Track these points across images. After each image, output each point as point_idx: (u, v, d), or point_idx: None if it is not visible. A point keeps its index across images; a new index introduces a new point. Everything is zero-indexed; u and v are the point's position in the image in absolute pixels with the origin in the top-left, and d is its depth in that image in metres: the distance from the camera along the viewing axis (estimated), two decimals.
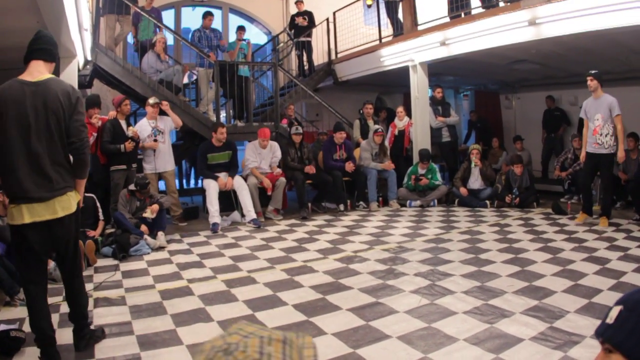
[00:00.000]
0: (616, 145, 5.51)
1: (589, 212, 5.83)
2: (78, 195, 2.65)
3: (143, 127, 6.33)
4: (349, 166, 7.19)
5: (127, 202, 5.35)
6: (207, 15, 8.03)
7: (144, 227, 5.20)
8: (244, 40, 8.81)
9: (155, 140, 6.29)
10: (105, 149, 5.90)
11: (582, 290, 3.43)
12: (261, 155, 6.89)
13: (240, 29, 8.85)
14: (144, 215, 5.26)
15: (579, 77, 8.60)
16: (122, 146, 5.88)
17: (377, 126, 7.73)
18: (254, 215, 6.26)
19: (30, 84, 2.46)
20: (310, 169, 7.06)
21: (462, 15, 7.10)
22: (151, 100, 6.36)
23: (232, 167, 6.60)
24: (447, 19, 7.27)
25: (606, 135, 5.48)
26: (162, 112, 6.54)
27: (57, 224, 2.50)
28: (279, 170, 6.90)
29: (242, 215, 6.42)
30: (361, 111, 8.37)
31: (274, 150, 6.98)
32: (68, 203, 2.52)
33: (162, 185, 6.67)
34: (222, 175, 6.44)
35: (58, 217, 2.48)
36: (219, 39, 8.09)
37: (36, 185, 2.43)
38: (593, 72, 5.54)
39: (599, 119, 5.52)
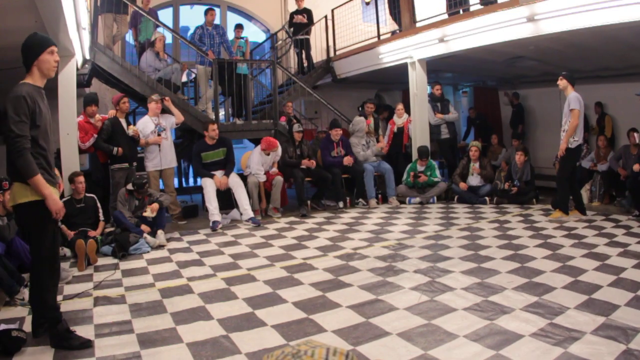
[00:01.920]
0: (577, 141, 5.67)
1: (564, 209, 5.92)
2: (23, 189, 2.65)
3: (146, 124, 6.34)
4: (347, 159, 7.19)
5: (126, 201, 5.35)
6: (209, 11, 8.00)
7: (144, 227, 5.21)
8: (242, 38, 8.78)
9: (159, 136, 6.29)
10: (99, 146, 5.90)
11: (581, 286, 3.44)
12: (265, 159, 6.89)
13: (238, 27, 8.83)
14: (144, 214, 5.26)
15: (578, 74, 8.61)
16: (115, 149, 5.89)
17: (361, 117, 7.81)
18: (251, 214, 6.24)
19: None
20: (308, 163, 7.06)
21: (461, 12, 7.09)
22: (154, 97, 6.38)
23: (227, 165, 6.57)
24: (446, 16, 7.25)
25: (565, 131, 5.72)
26: (164, 111, 6.54)
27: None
28: (274, 170, 6.89)
29: (242, 213, 6.42)
30: (360, 108, 8.36)
31: (277, 150, 6.98)
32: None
33: (161, 184, 6.68)
34: (218, 174, 6.43)
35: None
36: (222, 36, 8.05)
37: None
38: (564, 73, 5.79)
39: (565, 115, 5.78)
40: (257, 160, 6.80)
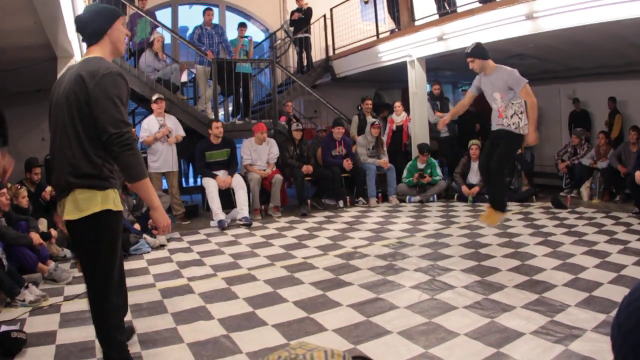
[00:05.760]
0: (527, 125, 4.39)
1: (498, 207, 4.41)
2: (90, 196, 2.10)
3: (151, 124, 6.31)
4: (347, 164, 7.18)
5: (124, 202, 5.35)
6: (207, 11, 7.99)
7: (137, 225, 5.21)
8: (246, 37, 8.77)
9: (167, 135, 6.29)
10: None
11: (582, 283, 3.44)
12: (257, 152, 6.88)
13: (242, 25, 8.79)
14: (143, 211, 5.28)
15: (577, 71, 8.65)
16: None
17: (373, 119, 7.74)
18: (246, 214, 6.20)
19: (67, 71, 2.23)
20: (307, 169, 7.06)
21: (452, 12, 7.09)
22: (154, 96, 6.37)
23: (231, 165, 6.57)
24: (446, 14, 7.25)
25: (512, 116, 4.36)
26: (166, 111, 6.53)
27: (69, 226, 2.18)
28: (274, 168, 6.89)
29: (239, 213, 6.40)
30: (359, 107, 8.35)
31: (271, 146, 6.98)
32: (74, 204, 2.11)
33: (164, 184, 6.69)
34: (221, 174, 6.42)
35: (65, 219, 2.15)
36: (221, 36, 8.04)
37: (55, 180, 2.18)
38: (470, 51, 4.37)
39: (498, 98, 4.44)
40: (246, 147, 6.83)
